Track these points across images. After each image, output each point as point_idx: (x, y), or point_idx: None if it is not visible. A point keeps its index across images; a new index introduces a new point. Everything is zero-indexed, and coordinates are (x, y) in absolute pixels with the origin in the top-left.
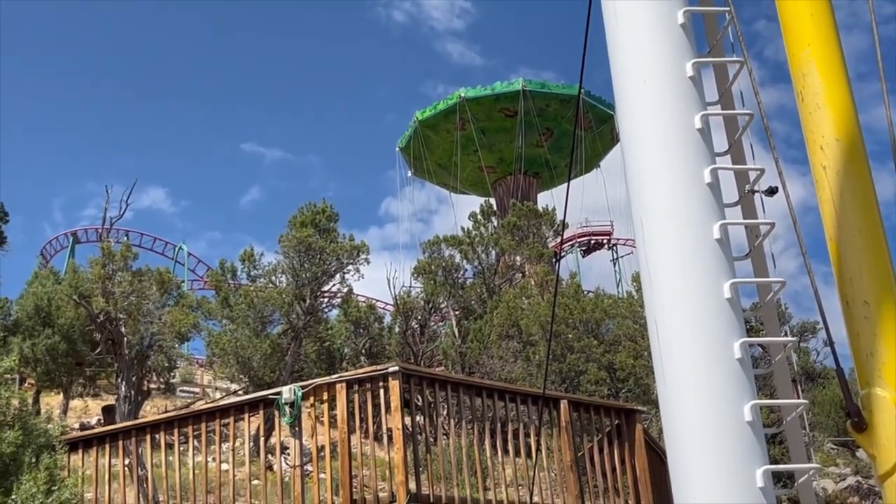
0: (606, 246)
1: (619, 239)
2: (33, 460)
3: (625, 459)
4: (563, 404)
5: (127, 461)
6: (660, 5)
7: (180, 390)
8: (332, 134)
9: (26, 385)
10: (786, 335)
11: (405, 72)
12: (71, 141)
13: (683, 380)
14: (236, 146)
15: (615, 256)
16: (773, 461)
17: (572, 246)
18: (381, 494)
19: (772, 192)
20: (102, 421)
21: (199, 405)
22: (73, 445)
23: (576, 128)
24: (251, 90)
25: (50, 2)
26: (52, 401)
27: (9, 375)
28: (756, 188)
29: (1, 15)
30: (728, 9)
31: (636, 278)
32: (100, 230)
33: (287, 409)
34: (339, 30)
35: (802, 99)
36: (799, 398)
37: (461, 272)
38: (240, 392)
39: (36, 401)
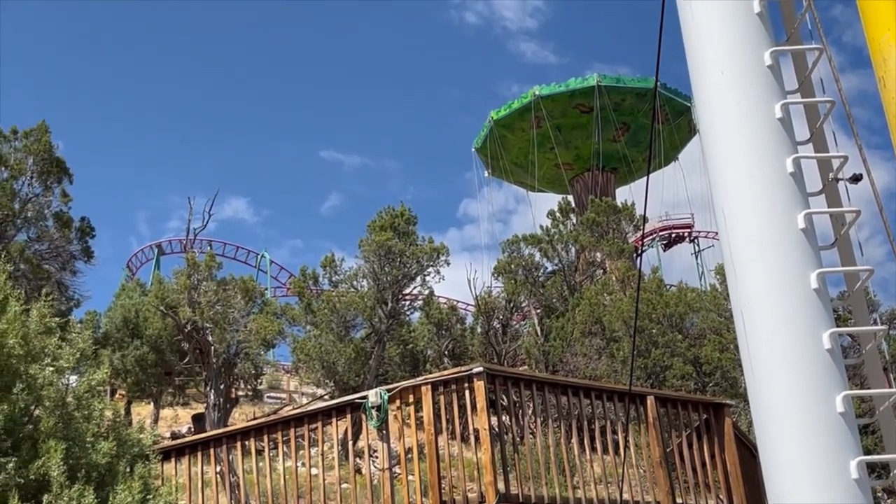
0: (688, 239)
1: (700, 231)
2: (128, 470)
3: (714, 454)
4: (650, 400)
5: (218, 468)
6: None
7: (267, 396)
8: (408, 138)
9: (117, 396)
10: (875, 323)
11: (479, 73)
12: (153, 155)
13: (772, 372)
14: (315, 154)
15: (697, 249)
16: (867, 452)
17: (653, 240)
18: (469, 495)
19: (856, 179)
20: (193, 429)
21: (287, 411)
22: (166, 454)
23: (653, 121)
24: (327, 97)
25: (134, 11)
26: (142, 411)
27: (100, 387)
28: (840, 176)
29: (78, 31)
30: None
31: (719, 271)
32: (184, 241)
33: (374, 412)
34: (412, 33)
35: (884, 84)
36: (891, 387)
37: (541, 270)
38: (326, 396)
39: (127, 411)
